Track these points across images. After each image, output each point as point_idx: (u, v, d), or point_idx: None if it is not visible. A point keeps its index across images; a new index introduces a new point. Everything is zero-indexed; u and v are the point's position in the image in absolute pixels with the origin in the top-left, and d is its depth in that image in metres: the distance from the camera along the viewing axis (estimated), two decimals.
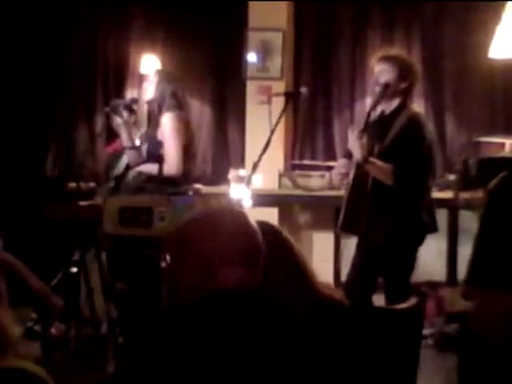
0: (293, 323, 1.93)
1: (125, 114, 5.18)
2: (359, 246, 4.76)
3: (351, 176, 4.69)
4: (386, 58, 4.68)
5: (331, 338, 2.17)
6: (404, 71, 4.64)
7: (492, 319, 2.24)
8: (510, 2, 5.64)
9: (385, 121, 4.69)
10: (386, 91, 4.61)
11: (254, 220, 2.02)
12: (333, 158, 6.51)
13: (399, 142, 4.58)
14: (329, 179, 5.90)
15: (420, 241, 4.67)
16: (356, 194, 4.64)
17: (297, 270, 2.45)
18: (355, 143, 4.55)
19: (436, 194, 5.36)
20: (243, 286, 1.93)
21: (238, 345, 1.83)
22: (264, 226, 2.10)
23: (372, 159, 4.52)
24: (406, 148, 4.55)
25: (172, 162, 4.89)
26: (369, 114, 4.68)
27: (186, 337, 1.85)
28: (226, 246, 1.94)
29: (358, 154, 4.55)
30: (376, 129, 4.67)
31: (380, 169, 4.54)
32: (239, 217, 2.02)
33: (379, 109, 4.76)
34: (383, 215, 4.57)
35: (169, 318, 1.96)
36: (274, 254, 2.18)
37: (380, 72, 4.66)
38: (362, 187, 4.61)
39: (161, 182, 4.86)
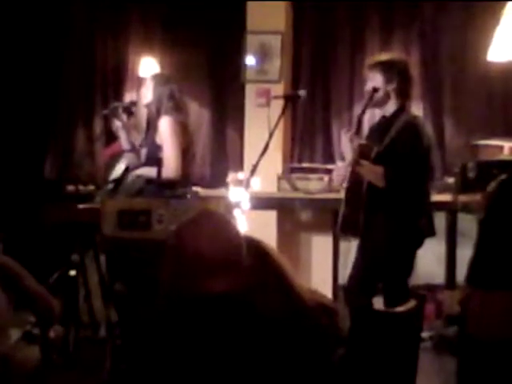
0: (276, 328, 1.97)
1: (124, 116, 5.19)
2: (359, 248, 4.77)
3: (348, 178, 4.71)
4: (371, 67, 4.75)
5: (320, 343, 2.17)
6: (387, 74, 4.67)
7: (491, 320, 2.25)
8: (508, 4, 5.64)
9: (384, 124, 4.71)
10: (375, 96, 4.66)
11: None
12: (331, 160, 6.52)
13: (394, 145, 4.59)
14: (329, 181, 5.92)
15: (418, 244, 4.67)
16: (353, 195, 4.66)
17: (279, 279, 2.44)
18: (347, 145, 4.60)
19: (435, 197, 5.36)
20: (227, 291, 1.97)
21: (229, 348, 1.90)
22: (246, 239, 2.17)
23: (363, 162, 4.55)
24: (399, 151, 4.56)
25: (170, 166, 4.89)
26: (359, 119, 4.75)
27: (179, 341, 1.89)
28: (208, 254, 2.00)
29: (349, 157, 4.60)
30: (376, 132, 4.72)
31: (371, 171, 4.56)
32: (220, 223, 2.08)
33: (378, 113, 4.80)
34: (380, 217, 4.58)
35: (162, 322, 2.00)
36: (257, 266, 2.22)
37: (368, 80, 4.73)
38: (358, 189, 4.62)
39: (159, 185, 4.85)
